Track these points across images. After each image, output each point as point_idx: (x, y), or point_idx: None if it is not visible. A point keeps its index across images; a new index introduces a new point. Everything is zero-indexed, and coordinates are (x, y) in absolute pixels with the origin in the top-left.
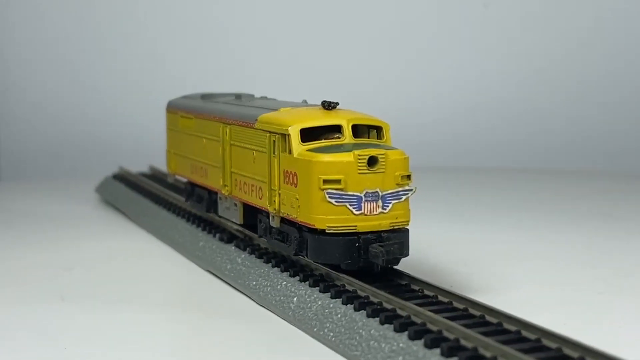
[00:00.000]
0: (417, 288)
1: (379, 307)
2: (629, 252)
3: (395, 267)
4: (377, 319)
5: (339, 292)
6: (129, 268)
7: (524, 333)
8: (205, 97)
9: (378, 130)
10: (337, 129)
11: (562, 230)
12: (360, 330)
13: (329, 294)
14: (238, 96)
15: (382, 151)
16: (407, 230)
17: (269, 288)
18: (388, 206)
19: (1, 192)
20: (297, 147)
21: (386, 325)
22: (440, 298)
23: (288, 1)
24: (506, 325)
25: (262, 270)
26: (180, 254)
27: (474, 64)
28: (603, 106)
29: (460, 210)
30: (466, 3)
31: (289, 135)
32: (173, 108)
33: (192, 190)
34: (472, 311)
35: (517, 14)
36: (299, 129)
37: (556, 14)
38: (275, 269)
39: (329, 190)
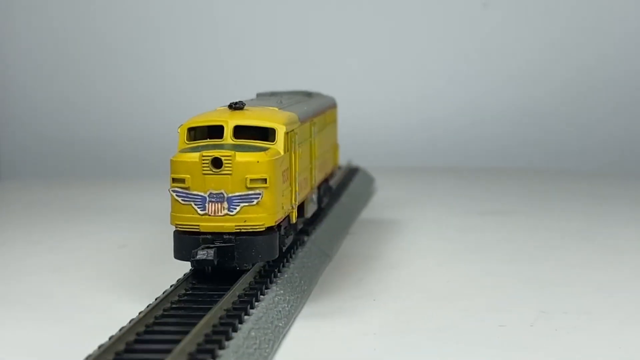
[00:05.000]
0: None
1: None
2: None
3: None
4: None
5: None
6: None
7: None
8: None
9: (269, 132)
10: (221, 130)
11: None
12: None
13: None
14: (259, 95)
15: (229, 153)
16: (266, 233)
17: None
18: (235, 209)
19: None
20: (181, 145)
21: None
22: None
23: None
24: None
25: None
26: None
27: (475, 64)
28: (604, 107)
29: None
30: (466, 3)
31: (179, 133)
32: None
33: None
34: None
35: (517, 14)
36: (186, 128)
37: (556, 14)
38: None
39: (174, 189)
